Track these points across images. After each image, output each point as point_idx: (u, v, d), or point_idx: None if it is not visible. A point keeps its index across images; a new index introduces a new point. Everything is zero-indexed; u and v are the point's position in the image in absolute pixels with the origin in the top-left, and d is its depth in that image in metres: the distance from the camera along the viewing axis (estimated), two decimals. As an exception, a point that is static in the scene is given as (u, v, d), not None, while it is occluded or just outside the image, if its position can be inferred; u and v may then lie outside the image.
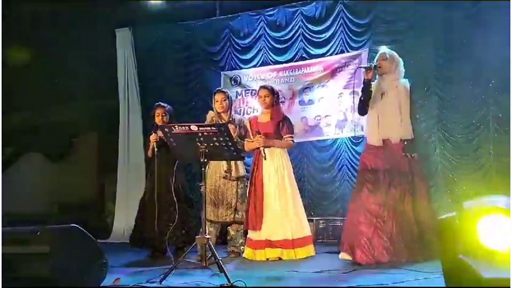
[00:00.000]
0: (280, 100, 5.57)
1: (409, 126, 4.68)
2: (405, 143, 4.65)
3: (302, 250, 5.01)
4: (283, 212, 5.02)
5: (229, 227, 5.32)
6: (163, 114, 5.44)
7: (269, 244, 4.98)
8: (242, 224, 5.23)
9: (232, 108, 5.44)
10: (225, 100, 5.28)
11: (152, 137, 5.35)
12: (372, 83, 4.75)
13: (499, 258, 2.34)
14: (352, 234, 4.61)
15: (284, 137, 5.19)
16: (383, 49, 4.87)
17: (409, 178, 4.63)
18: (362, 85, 4.81)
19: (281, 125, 5.20)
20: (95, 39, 7.86)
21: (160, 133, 5.02)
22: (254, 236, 5.07)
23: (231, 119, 5.30)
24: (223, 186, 5.22)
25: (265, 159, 5.05)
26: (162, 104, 5.52)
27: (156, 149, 5.33)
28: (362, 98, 4.79)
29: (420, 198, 4.64)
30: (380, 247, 4.46)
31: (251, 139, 5.19)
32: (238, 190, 5.23)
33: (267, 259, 4.94)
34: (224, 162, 5.16)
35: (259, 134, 5.11)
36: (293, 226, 5.02)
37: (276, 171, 5.09)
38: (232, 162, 5.18)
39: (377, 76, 4.85)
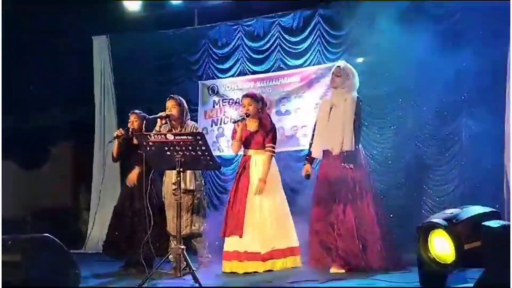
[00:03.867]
0: (265, 107, 5.32)
1: (350, 137, 4.74)
2: (345, 154, 4.72)
3: (288, 260, 4.94)
4: (268, 222, 4.91)
5: (193, 240, 5.11)
6: (135, 120, 5.38)
7: (252, 256, 4.84)
8: (199, 236, 5.08)
9: (185, 114, 5.15)
10: (175, 107, 5.04)
11: (118, 132, 5.29)
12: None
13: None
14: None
15: (266, 145, 5.04)
16: (339, 63, 5.00)
17: (351, 188, 4.73)
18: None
19: (266, 134, 5.05)
20: (72, 46, 7.80)
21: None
22: (232, 247, 4.92)
23: (183, 127, 5.08)
24: (178, 198, 4.93)
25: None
26: (136, 111, 5.47)
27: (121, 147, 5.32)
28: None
29: (364, 207, 4.71)
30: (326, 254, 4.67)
31: (238, 140, 5.06)
32: (195, 201, 5.04)
33: (254, 272, 4.80)
34: (174, 174, 4.67)
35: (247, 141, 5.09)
36: (279, 236, 4.92)
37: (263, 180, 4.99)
38: (182, 174, 4.66)
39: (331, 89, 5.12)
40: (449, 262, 3.04)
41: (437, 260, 3.11)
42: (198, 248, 5.12)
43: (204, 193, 5.26)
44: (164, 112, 4.96)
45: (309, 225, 4.96)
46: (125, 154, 5.39)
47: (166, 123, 5.00)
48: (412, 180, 6.22)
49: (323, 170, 4.91)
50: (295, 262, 4.99)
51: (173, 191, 4.40)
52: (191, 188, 4.98)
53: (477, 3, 5.60)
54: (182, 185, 4.74)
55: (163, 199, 5.12)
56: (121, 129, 5.36)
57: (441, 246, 3.09)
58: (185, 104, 5.18)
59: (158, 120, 4.94)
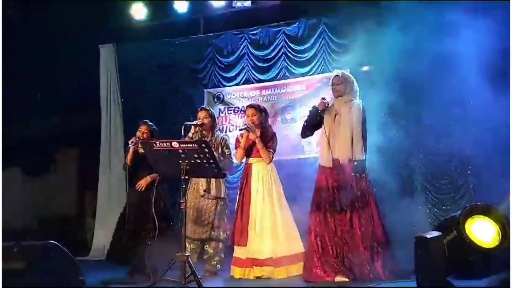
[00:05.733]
0: (268, 118, 5.50)
1: (360, 146, 4.71)
2: (355, 163, 4.68)
3: (293, 267, 4.93)
4: (271, 230, 4.96)
5: (207, 246, 5.25)
6: (145, 131, 5.43)
7: (257, 262, 4.92)
8: (220, 241, 5.21)
9: (215, 126, 5.44)
10: (207, 118, 5.29)
11: (133, 139, 5.33)
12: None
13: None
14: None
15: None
16: (337, 72, 4.99)
17: (359, 197, 4.67)
18: (311, 109, 4.95)
19: (266, 142, 5.17)
20: (78, 54, 7.84)
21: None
22: (240, 254, 5.01)
23: (213, 137, 5.31)
24: (202, 203, 5.20)
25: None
26: (148, 122, 5.52)
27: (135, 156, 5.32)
28: (305, 123, 4.99)
29: (370, 216, 4.68)
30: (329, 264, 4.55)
31: (243, 148, 5.15)
32: (218, 207, 5.21)
33: (257, 277, 4.88)
34: (204, 181, 5.15)
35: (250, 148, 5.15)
36: (282, 243, 4.96)
37: (265, 187, 5.07)
38: (213, 182, 5.17)
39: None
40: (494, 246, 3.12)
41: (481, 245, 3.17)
42: (211, 254, 5.19)
43: (228, 201, 5.41)
44: (198, 121, 5.25)
45: (307, 232, 4.87)
46: (136, 163, 5.40)
47: (197, 132, 5.25)
48: (417, 188, 6.20)
49: (326, 177, 4.80)
50: (300, 268, 4.98)
51: (202, 196, 5.06)
52: (222, 196, 5.23)
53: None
54: (213, 192, 5.14)
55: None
56: (134, 137, 5.38)
57: (483, 231, 3.18)
58: (215, 116, 5.49)
59: (192, 127, 5.23)
